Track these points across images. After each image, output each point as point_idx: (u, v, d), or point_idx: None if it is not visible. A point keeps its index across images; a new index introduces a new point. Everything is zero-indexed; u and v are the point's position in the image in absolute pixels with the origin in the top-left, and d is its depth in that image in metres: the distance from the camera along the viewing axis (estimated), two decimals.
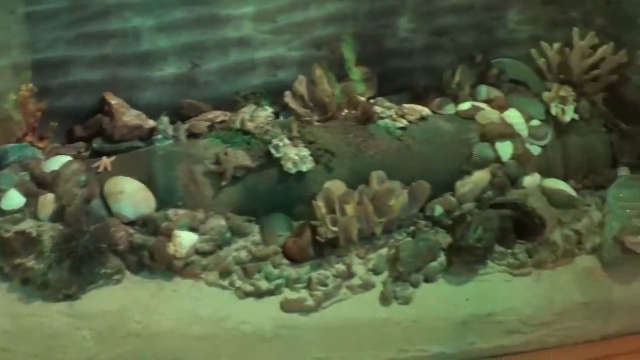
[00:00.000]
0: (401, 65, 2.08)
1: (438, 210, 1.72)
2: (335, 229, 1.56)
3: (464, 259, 1.62)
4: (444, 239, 1.65)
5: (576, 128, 1.90)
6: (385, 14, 2.01)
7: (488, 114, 1.85)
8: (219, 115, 1.87)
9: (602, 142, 1.93)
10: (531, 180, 1.81)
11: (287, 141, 1.68)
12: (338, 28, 1.91)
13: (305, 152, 1.68)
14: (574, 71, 1.95)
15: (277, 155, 1.66)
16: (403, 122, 1.78)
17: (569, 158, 1.89)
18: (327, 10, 1.94)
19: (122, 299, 1.50)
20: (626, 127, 2.01)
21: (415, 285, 1.58)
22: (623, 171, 1.88)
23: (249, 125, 1.74)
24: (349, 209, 1.58)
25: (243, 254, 1.59)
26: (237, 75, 1.96)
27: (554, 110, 1.86)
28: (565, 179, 1.87)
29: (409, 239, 1.66)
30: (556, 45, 1.95)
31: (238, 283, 1.54)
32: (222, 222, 1.61)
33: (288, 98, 1.85)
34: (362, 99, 1.80)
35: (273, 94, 1.90)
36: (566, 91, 1.88)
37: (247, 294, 1.53)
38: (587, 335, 1.64)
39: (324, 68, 1.82)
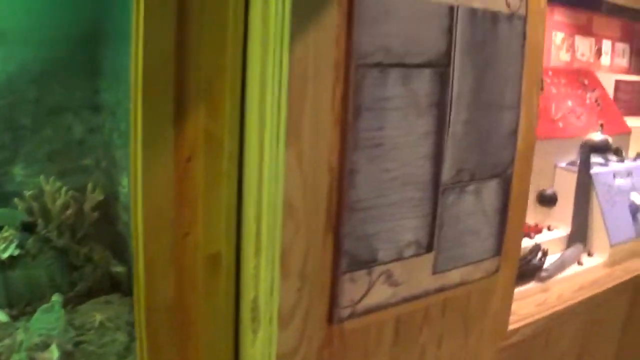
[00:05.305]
0: None
1: None
2: None
3: None
4: None
5: (22, 263, 2.22)
6: None
7: None
8: None
9: (48, 273, 2.25)
10: None
11: None
12: None
13: None
14: (52, 213, 2.31)
15: None
16: None
17: (11, 289, 2.21)
18: None
19: None
20: (100, 256, 2.33)
21: None
22: (56, 297, 2.12)
23: None
24: None
25: None
26: None
27: None
28: (8, 307, 2.18)
29: None
30: (29, 193, 2.30)
31: None
32: None
33: None
34: None
35: None
36: (8, 232, 2.22)
37: None
38: None
39: None
